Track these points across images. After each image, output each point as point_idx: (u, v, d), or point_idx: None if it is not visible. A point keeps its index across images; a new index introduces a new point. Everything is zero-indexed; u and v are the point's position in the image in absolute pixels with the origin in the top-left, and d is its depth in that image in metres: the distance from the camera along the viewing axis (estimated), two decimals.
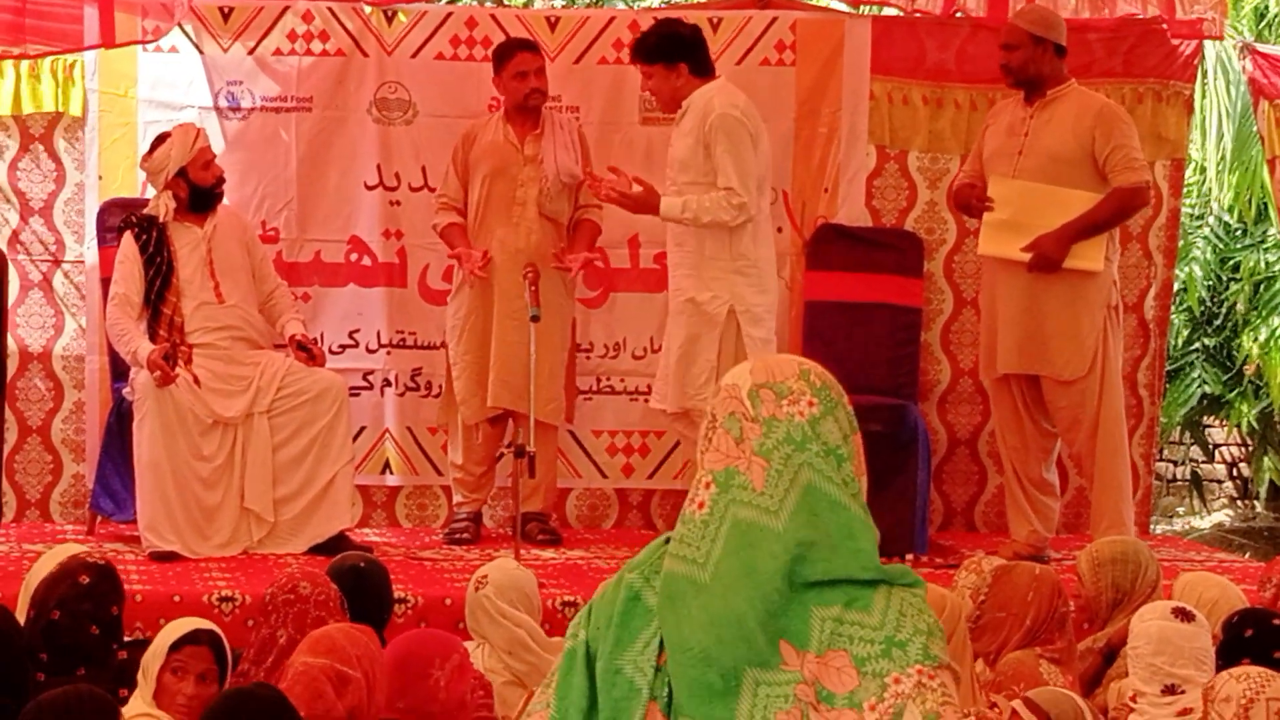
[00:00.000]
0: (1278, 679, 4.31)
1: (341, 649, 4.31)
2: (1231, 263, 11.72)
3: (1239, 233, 11.72)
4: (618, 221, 8.01)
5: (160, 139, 7.64)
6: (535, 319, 7.39)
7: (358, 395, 8.19)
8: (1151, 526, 9.26)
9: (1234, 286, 11.67)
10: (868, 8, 9.19)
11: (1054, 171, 7.37)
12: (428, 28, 8.39)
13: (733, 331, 7.31)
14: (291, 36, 8.34)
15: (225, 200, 7.76)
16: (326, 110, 8.36)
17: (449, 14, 8.44)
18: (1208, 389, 11.73)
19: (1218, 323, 11.91)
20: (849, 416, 2.55)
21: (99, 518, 7.90)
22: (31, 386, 8.32)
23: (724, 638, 2.45)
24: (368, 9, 8.38)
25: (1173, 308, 9.64)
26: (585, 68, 8.46)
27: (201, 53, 8.29)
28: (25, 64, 8.13)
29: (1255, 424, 12.01)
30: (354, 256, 8.41)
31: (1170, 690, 4.84)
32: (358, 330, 8.41)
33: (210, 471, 7.41)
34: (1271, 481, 12.38)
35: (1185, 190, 9.54)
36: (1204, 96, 10.56)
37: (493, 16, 8.48)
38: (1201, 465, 12.92)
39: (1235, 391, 11.78)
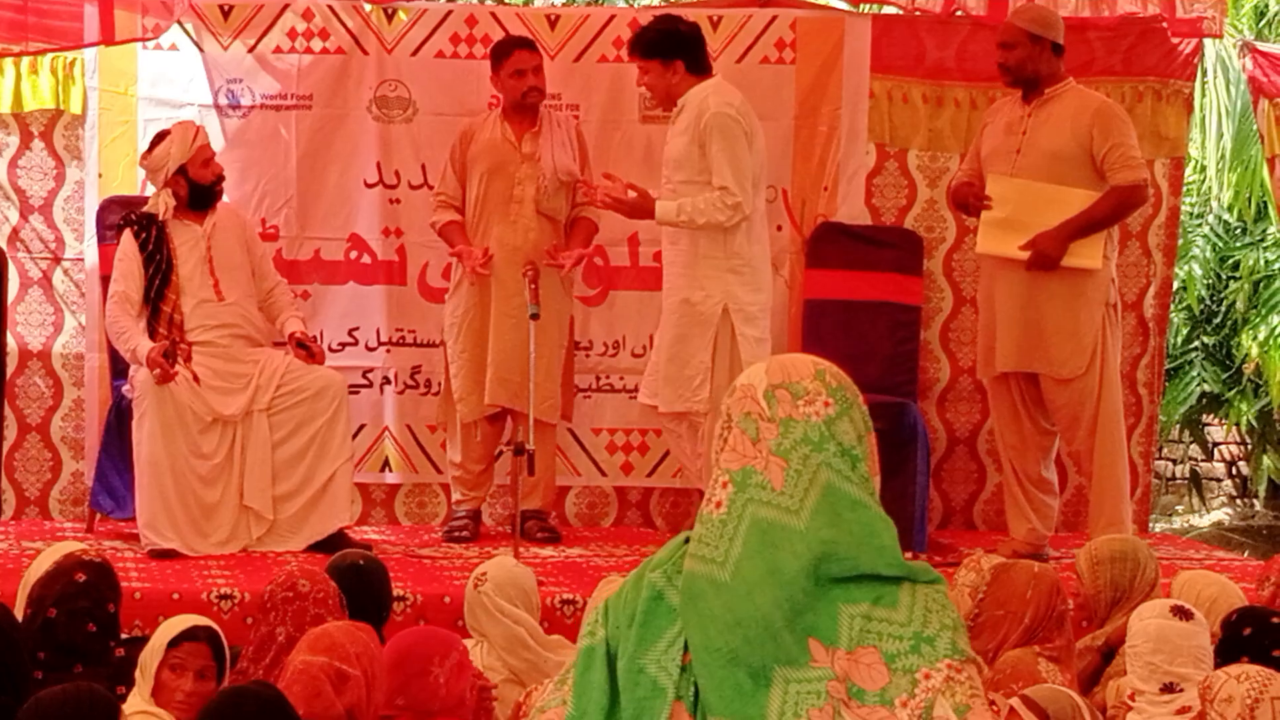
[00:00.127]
0: (1277, 678, 4.31)
1: (340, 647, 4.31)
2: (1231, 261, 11.71)
3: (1239, 231, 11.71)
4: (617, 219, 7.99)
5: (160, 136, 7.64)
6: (535, 317, 7.39)
7: (357, 393, 8.19)
8: (1150, 525, 9.25)
9: (1233, 285, 11.67)
10: (868, 6, 9.20)
11: (1052, 170, 7.37)
12: (428, 26, 8.39)
13: (727, 331, 7.30)
14: (291, 34, 8.34)
15: (225, 198, 7.77)
16: (326, 108, 8.36)
17: (449, 12, 8.44)
18: (1207, 387, 11.73)
19: (1217, 321, 11.91)
20: (864, 416, 2.57)
21: (98, 515, 7.90)
22: (31, 384, 8.32)
23: (750, 637, 2.46)
24: (368, 7, 8.38)
25: (1172, 306, 9.64)
26: (585, 66, 8.46)
27: (201, 50, 8.29)
28: (25, 61, 8.13)
29: (1254, 422, 12.00)
30: (354, 254, 8.41)
31: (1169, 688, 4.84)
32: (357, 328, 8.42)
33: (209, 469, 7.41)
34: (1270, 480, 12.38)
35: (1185, 189, 9.53)
36: (1204, 95, 10.56)
37: (493, 14, 8.48)
38: (1200, 464, 12.91)
39: (1234, 390, 11.78)
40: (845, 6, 9.35)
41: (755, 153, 7.36)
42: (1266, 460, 12.20)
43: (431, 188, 8.17)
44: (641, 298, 8.40)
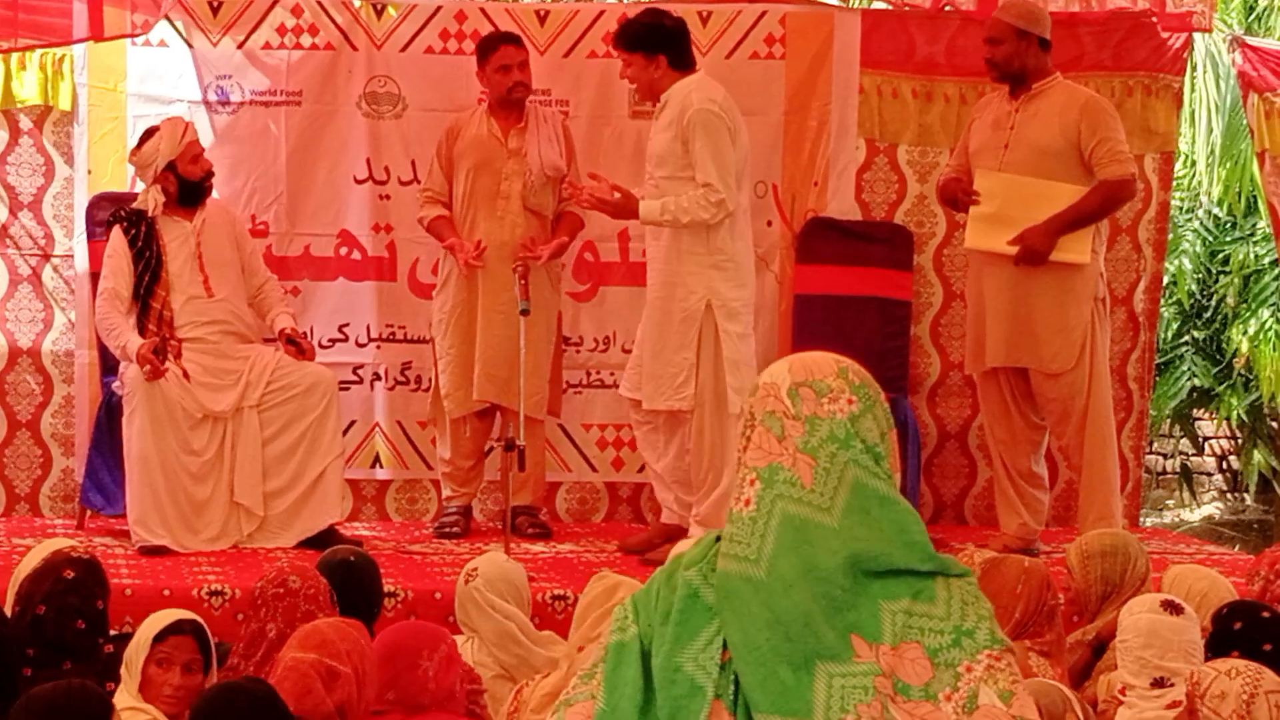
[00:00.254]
0: (1267, 672, 4.31)
1: (331, 643, 4.30)
2: (1221, 256, 11.72)
3: (1228, 226, 11.72)
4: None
5: (149, 133, 7.63)
6: (525, 313, 7.38)
7: (347, 389, 8.19)
8: (1141, 519, 9.26)
9: (1223, 279, 11.67)
10: (857, 1, 9.19)
11: (1040, 165, 7.37)
12: (417, 21, 8.39)
13: (710, 327, 7.26)
14: (281, 30, 8.33)
15: (214, 194, 7.76)
16: (316, 104, 8.35)
17: (438, 8, 8.43)
18: (1197, 382, 11.73)
19: (1207, 316, 11.91)
20: (886, 414, 2.60)
21: (88, 512, 7.90)
22: (21, 381, 8.32)
23: (791, 634, 2.47)
24: (357, 3, 8.38)
25: (1162, 301, 9.65)
26: (575, 61, 8.45)
27: (191, 47, 8.28)
28: (14, 57, 8.11)
29: (1245, 417, 12.01)
30: (343, 250, 8.41)
31: (1159, 683, 4.84)
32: (347, 324, 8.41)
33: (200, 466, 7.41)
34: (1261, 474, 12.38)
35: (1175, 183, 9.53)
36: (1193, 90, 10.56)
37: (482, 10, 8.47)
38: (1191, 458, 12.92)
39: (1225, 384, 11.78)
40: (835, 2, 9.34)
41: (739, 149, 7.33)
42: (1257, 455, 12.21)
43: (421, 184, 8.16)
44: (632, 293, 8.37)
